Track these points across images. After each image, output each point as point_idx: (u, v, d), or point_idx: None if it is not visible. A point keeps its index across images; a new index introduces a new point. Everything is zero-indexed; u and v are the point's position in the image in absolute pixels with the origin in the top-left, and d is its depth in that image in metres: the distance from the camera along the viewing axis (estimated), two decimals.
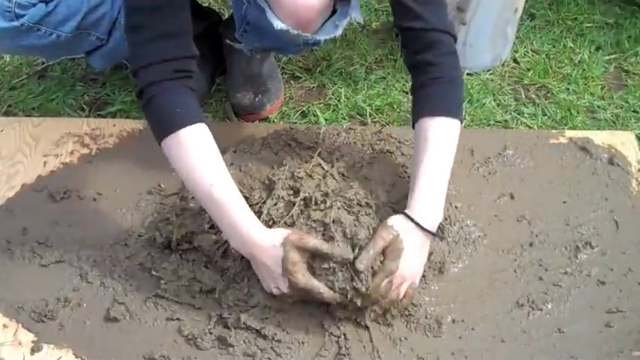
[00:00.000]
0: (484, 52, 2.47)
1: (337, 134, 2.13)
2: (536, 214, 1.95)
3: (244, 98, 2.29)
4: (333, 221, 1.71)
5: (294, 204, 1.76)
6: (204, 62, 2.37)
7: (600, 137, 2.16)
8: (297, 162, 1.92)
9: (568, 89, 2.42)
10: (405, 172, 1.94)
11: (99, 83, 2.47)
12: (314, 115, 2.34)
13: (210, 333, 1.73)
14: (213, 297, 1.78)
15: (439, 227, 1.85)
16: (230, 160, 2.00)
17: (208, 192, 1.68)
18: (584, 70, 2.50)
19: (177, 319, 1.76)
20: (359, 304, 1.67)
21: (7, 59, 2.58)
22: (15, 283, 1.85)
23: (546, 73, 2.48)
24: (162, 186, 2.06)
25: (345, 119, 2.33)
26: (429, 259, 1.82)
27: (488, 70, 2.50)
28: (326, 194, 1.77)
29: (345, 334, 1.71)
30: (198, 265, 1.82)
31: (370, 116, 2.33)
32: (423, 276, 1.80)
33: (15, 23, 1.97)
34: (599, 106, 2.36)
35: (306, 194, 1.77)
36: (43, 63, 2.56)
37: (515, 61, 2.55)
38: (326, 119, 2.32)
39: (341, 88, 2.44)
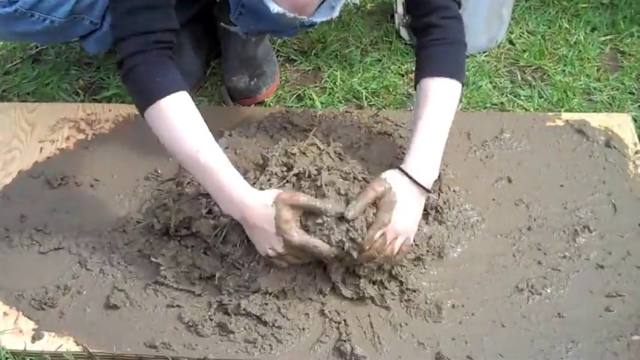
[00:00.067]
0: (479, 33, 2.46)
1: (334, 117, 2.12)
2: (534, 198, 1.95)
3: (240, 82, 2.28)
4: (326, 184, 1.71)
5: (287, 180, 1.77)
6: (198, 45, 2.36)
7: (597, 120, 2.15)
8: (292, 142, 1.92)
9: (564, 71, 2.42)
10: (403, 153, 1.91)
11: (93, 67, 2.47)
12: (310, 99, 2.33)
13: (211, 320, 1.73)
14: (213, 283, 1.78)
15: (437, 208, 1.86)
16: (225, 143, 2.00)
17: (195, 158, 1.68)
18: (579, 51, 2.49)
19: (178, 305, 1.77)
20: (355, 256, 1.66)
21: (1, 43, 2.56)
22: (14, 271, 1.85)
23: (542, 54, 2.48)
24: (160, 171, 2.06)
25: (341, 103, 2.32)
26: (427, 244, 1.82)
27: (483, 52, 2.50)
28: (320, 169, 1.77)
29: (345, 320, 1.72)
30: (198, 252, 1.82)
31: (366, 99, 2.32)
32: (422, 260, 1.81)
33: (8, 9, 1.95)
34: (595, 88, 2.36)
35: (300, 169, 1.77)
36: (37, 47, 2.54)
37: (510, 42, 2.55)
38: (322, 103, 2.32)
39: (336, 71, 2.43)
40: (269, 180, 1.78)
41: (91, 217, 1.95)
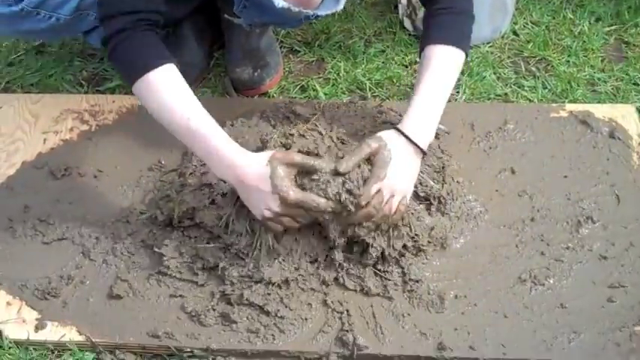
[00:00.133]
0: (483, 24, 2.45)
1: (337, 107, 2.12)
2: (538, 189, 1.95)
3: (243, 73, 2.28)
4: (320, 153, 1.74)
5: None
6: (201, 37, 2.36)
7: (601, 111, 2.15)
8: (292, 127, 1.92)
9: (568, 61, 2.41)
10: None
11: (97, 58, 2.46)
12: (313, 90, 2.33)
13: (214, 309, 1.73)
14: (215, 274, 1.79)
15: (440, 199, 1.86)
16: (227, 133, 1.99)
17: (186, 126, 1.70)
18: (584, 41, 2.48)
19: (181, 295, 1.77)
20: (352, 210, 1.66)
21: None
22: (18, 261, 1.86)
23: (546, 45, 2.47)
24: (163, 162, 2.06)
25: (344, 94, 2.32)
26: (429, 234, 1.82)
27: (487, 43, 2.49)
28: (318, 147, 1.77)
29: (347, 310, 1.72)
30: (201, 242, 1.82)
31: (370, 90, 2.32)
32: (424, 251, 1.81)
33: (14, 8, 1.95)
34: (599, 79, 2.34)
35: (298, 149, 1.76)
36: None
37: (514, 33, 2.54)
38: (325, 94, 2.31)
39: (340, 62, 2.43)
40: None
41: (95, 208, 1.96)
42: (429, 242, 1.82)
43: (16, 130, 2.16)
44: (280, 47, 2.44)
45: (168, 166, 2.04)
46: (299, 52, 2.48)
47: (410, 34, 2.51)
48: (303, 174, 1.69)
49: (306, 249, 1.78)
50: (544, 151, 2.05)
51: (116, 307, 1.77)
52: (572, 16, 2.58)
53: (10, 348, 1.71)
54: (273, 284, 1.74)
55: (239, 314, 1.72)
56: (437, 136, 2.02)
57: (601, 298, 1.72)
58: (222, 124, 1.94)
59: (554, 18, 2.58)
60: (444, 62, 1.83)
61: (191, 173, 1.93)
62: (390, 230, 1.75)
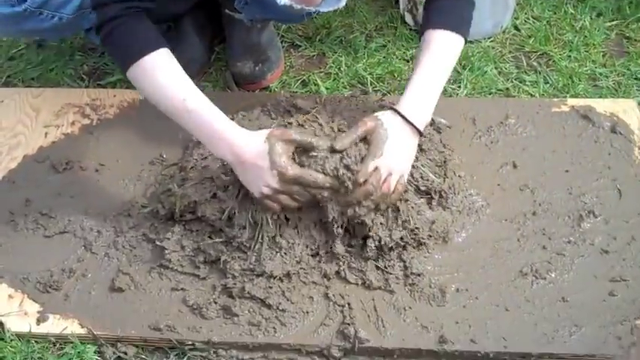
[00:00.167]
0: (485, 19, 2.45)
1: (338, 101, 2.12)
2: (539, 183, 1.95)
3: (244, 67, 2.28)
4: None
5: None
6: (202, 32, 2.36)
7: (602, 105, 2.15)
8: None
9: (569, 56, 2.41)
10: None
11: (98, 52, 2.46)
12: (314, 84, 2.33)
13: (215, 303, 1.74)
14: (217, 267, 1.79)
15: (442, 193, 1.86)
16: None
17: (183, 107, 1.71)
18: (585, 36, 2.48)
19: (182, 289, 1.77)
20: (350, 186, 1.67)
21: None
22: (19, 254, 1.86)
23: (547, 40, 2.47)
24: (164, 156, 2.06)
25: (345, 88, 2.32)
26: (430, 228, 1.82)
27: (489, 38, 2.49)
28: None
29: (349, 304, 1.72)
30: (202, 235, 1.82)
31: (371, 85, 2.32)
32: (425, 245, 1.81)
33: (17, 9, 1.94)
34: (600, 74, 2.35)
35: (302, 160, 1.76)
36: None
37: (516, 27, 2.53)
38: (327, 88, 2.31)
39: (341, 56, 2.43)
40: None
41: (96, 202, 1.96)
42: (430, 236, 1.82)
43: (18, 124, 2.16)
44: (281, 42, 2.44)
45: (170, 160, 2.04)
46: (300, 46, 2.48)
47: (411, 29, 2.51)
48: (301, 152, 1.70)
49: (308, 242, 1.79)
50: (545, 146, 2.05)
51: (118, 300, 1.77)
52: (573, 11, 2.58)
53: (12, 340, 1.71)
54: (275, 277, 1.74)
55: (240, 307, 1.72)
56: (439, 131, 2.03)
57: (602, 292, 1.72)
58: None
59: (555, 13, 2.58)
60: (442, 46, 1.85)
61: (192, 167, 1.93)
62: (389, 212, 1.75)
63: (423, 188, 1.86)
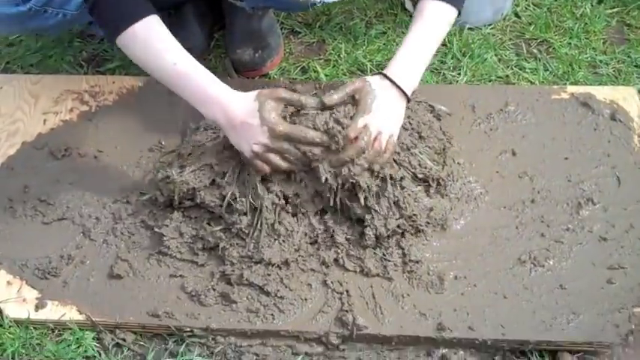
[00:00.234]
0: (485, 5, 2.45)
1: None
2: (538, 171, 1.95)
3: (244, 54, 2.28)
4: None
5: None
6: (202, 19, 2.35)
7: (602, 93, 2.14)
8: None
9: (570, 44, 2.40)
10: (410, 123, 1.91)
11: (97, 39, 2.46)
12: (314, 71, 2.32)
13: (214, 289, 1.74)
14: (216, 254, 1.79)
15: (440, 181, 1.85)
16: None
17: (174, 71, 1.72)
18: (585, 24, 2.47)
19: (181, 275, 1.78)
20: (341, 141, 1.67)
21: None
22: (18, 241, 1.86)
23: (548, 27, 2.46)
24: (163, 143, 2.05)
25: (345, 75, 2.31)
26: (428, 215, 1.82)
27: (489, 25, 2.48)
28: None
29: (347, 291, 1.72)
30: (201, 222, 1.82)
31: (371, 72, 2.31)
32: (424, 232, 1.81)
33: (22, 8, 1.94)
34: (601, 61, 2.34)
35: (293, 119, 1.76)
36: None
37: (516, 15, 2.53)
38: (326, 75, 2.31)
39: (341, 43, 2.42)
40: None
41: (95, 188, 1.96)
42: (428, 223, 1.82)
43: (16, 110, 2.16)
44: (281, 28, 2.43)
45: (168, 147, 2.03)
46: (300, 33, 2.47)
47: (411, 16, 2.49)
48: (292, 114, 1.72)
49: (307, 230, 1.79)
50: (545, 133, 2.04)
51: (116, 286, 1.77)
52: None
53: (10, 327, 1.71)
54: (273, 265, 1.74)
55: (239, 294, 1.72)
56: (438, 118, 2.03)
57: (600, 280, 1.72)
58: None
59: (555, 0, 2.57)
60: (434, 16, 1.85)
61: (190, 154, 1.92)
62: (385, 172, 1.75)
63: (420, 176, 1.84)
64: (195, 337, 1.70)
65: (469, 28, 2.44)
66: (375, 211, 1.75)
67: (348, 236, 1.79)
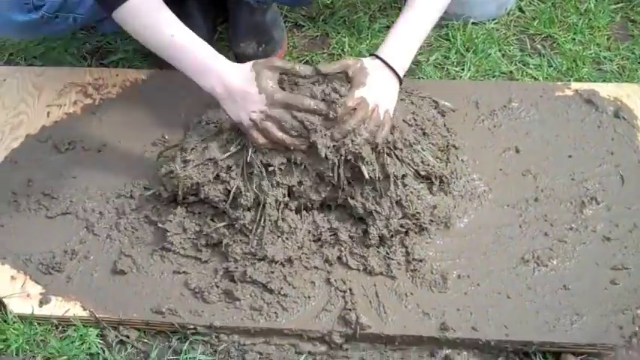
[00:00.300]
0: (489, 0, 2.44)
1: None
2: (542, 169, 1.94)
3: (248, 48, 2.27)
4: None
5: None
6: (205, 12, 2.35)
7: (606, 90, 2.13)
8: None
9: (574, 39, 2.40)
10: (414, 119, 1.90)
11: (100, 32, 2.44)
12: None
13: (217, 286, 1.74)
14: (219, 250, 1.79)
15: (443, 179, 1.85)
16: None
17: (171, 43, 1.73)
18: (590, 19, 2.47)
19: (184, 272, 1.78)
20: (339, 110, 1.66)
21: None
22: (22, 235, 1.86)
23: (552, 22, 2.45)
24: (167, 137, 2.05)
25: None
26: (431, 213, 1.82)
27: (493, 20, 2.47)
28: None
29: (351, 289, 1.72)
30: (204, 218, 1.82)
31: None
32: (427, 230, 1.81)
33: (34, 16, 1.94)
34: (605, 57, 2.34)
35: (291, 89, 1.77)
36: None
37: (520, 9, 2.52)
38: None
39: (344, 37, 2.42)
40: None
41: (98, 182, 1.96)
42: (432, 221, 1.82)
43: (20, 102, 2.15)
44: (284, 22, 2.43)
45: (172, 141, 2.03)
46: (303, 26, 2.47)
47: None
48: (289, 84, 1.73)
49: (310, 227, 1.79)
50: (548, 131, 2.04)
51: (120, 282, 1.77)
52: None
53: (14, 322, 1.72)
54: (277, 262, 1.74)
55: (242, 291, 1.72)
56: (442, 114, 2.02)
57: (604, 280, 1.72)
58: None
59: None
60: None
61: (193, 148, 1.91)
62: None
63: (423, 173, 1.83)
64: (199, 334, 1.70)
65: (473, 23, 2.44)
66: (377, 212, 1.75)
67: (352, 234, 1.79)
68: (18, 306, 1.74)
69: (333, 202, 1.81)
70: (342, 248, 1.78)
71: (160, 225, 1.84)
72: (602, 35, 2.41)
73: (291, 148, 1.72)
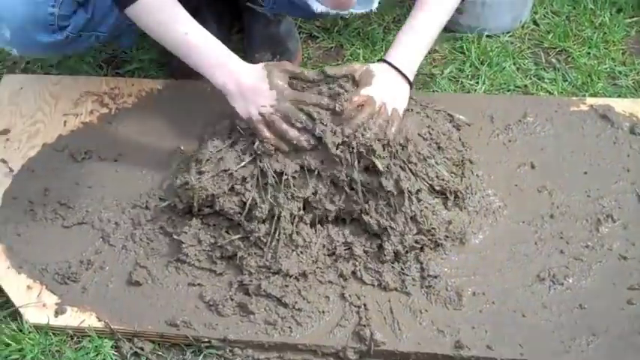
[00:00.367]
0: (503, 13, 2.44)
1: None
2: (557, 185, 1.94)
3: (262, 58, 2.27)
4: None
5: None
6: (221, 22, 2.35)
7: (621, 105, 2.13)
8: None
9: (589, 53, 2.39)
10: (429, 133, 1.89)
11: (119, 47, 2.45)
12: None
13: (232, 300, 1.74)
14: (234, 263, 1.80)
15: (458, 194, 1.85)
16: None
17: (185, 41, 1.77)
18: (605, 33, 2.46)
19: (199, 284, 1.78)
20: (345, 104, 1.71)
21: None
22: (38, 244, 1.87)
23: (566, 36, 2.45)
24: (182, 148, 2.05)
25: None
26: (447, 229, 1.82)
27: (507, 32, 2.47)
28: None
29: (365, 305, 1.72)
30: (219, 230, 1.83)
31: None
32: (442, 246, 1.81)
33: (59, 37, 1.96)
34: (620, 72, 2.33)
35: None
36: None
37: (535, 22, 2.52)
38: None
39: (359, 48, 2.42)
40: None
41: (114, 193, 1.96)
42: (447, 237, 1.82)
43: (37, 111, 2.16)
44: (299, 33, 2.43)
45: (187, 152, 2.03)
46: (318, 38, 2.47)
47: None
48: (297, 86, 1.78)
49: (325, 241, 1.79)
50: (564, 146, 2.03)
51: (135, 293, 1.78)
52: (592, 7, 2.56)
53: (30, 332, 1.72)
54: (291, 276, 1.75)
55: (257, 305, 1.73)
56: (457, 128, 2.02)
57: (620, 300, 1.71)
58: None
59: (574, 8, 2.56)
60: (434, 1, 1.88)
61: (208, 159, 1.91)
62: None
63: (437, 188, 1.83)
64: (213, 347, 1.70)
65: (487, 36, 2.44)
66: (392, 228, 1.75)
67: (366, 249, 1.79)
68: (34, 316, 1.74)
69: (348, 216, 1.82)
70: (357, 263, 1.78)
71: (175, 236, 1.84)
72: (617, 50, 2.41)
73: (294, 141, 1.74)
